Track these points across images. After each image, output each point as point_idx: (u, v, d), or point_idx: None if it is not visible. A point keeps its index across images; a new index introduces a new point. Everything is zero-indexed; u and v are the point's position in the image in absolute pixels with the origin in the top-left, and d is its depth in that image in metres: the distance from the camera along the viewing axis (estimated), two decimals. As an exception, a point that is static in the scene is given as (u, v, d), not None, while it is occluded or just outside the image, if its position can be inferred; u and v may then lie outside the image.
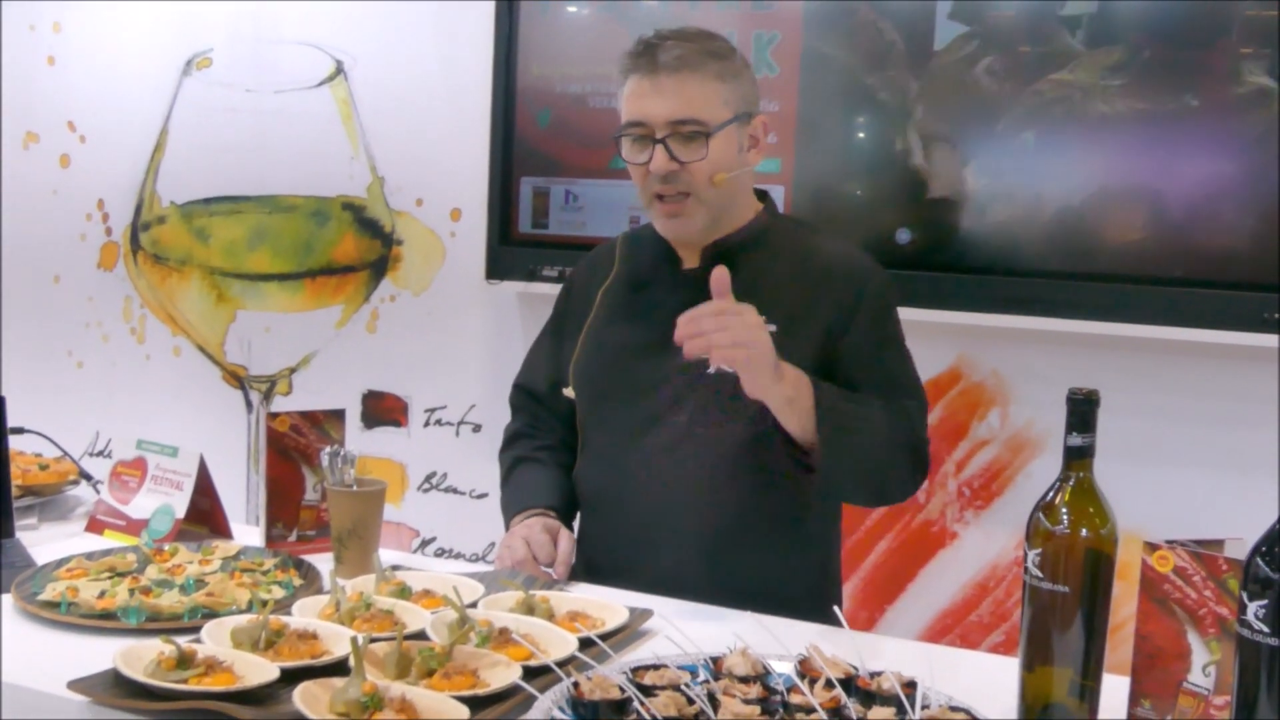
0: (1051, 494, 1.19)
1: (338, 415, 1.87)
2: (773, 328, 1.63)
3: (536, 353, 2.00)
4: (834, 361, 1.71)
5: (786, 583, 1.74)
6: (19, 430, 2.02)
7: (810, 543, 1.80)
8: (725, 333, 1.50)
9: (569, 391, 1.84)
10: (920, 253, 2.36)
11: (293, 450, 1.81)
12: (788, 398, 1.58)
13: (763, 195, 1.84)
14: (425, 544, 3.00)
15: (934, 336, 2.40)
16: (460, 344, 2.93)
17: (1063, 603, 1.17)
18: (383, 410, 3.04)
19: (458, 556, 2.95)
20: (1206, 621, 1.16)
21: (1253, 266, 2.10)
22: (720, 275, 1.55)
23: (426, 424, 2.99)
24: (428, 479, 3.00)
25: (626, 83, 1.72)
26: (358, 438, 3.00)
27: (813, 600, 1.72)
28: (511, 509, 1.86)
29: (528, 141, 2.73)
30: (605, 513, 1.81)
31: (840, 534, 1.88)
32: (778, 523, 1.74)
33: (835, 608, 1.36)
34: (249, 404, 3.21)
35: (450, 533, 2.98)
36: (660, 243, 1.82)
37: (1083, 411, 1.18)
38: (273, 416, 1.81)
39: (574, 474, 1.88)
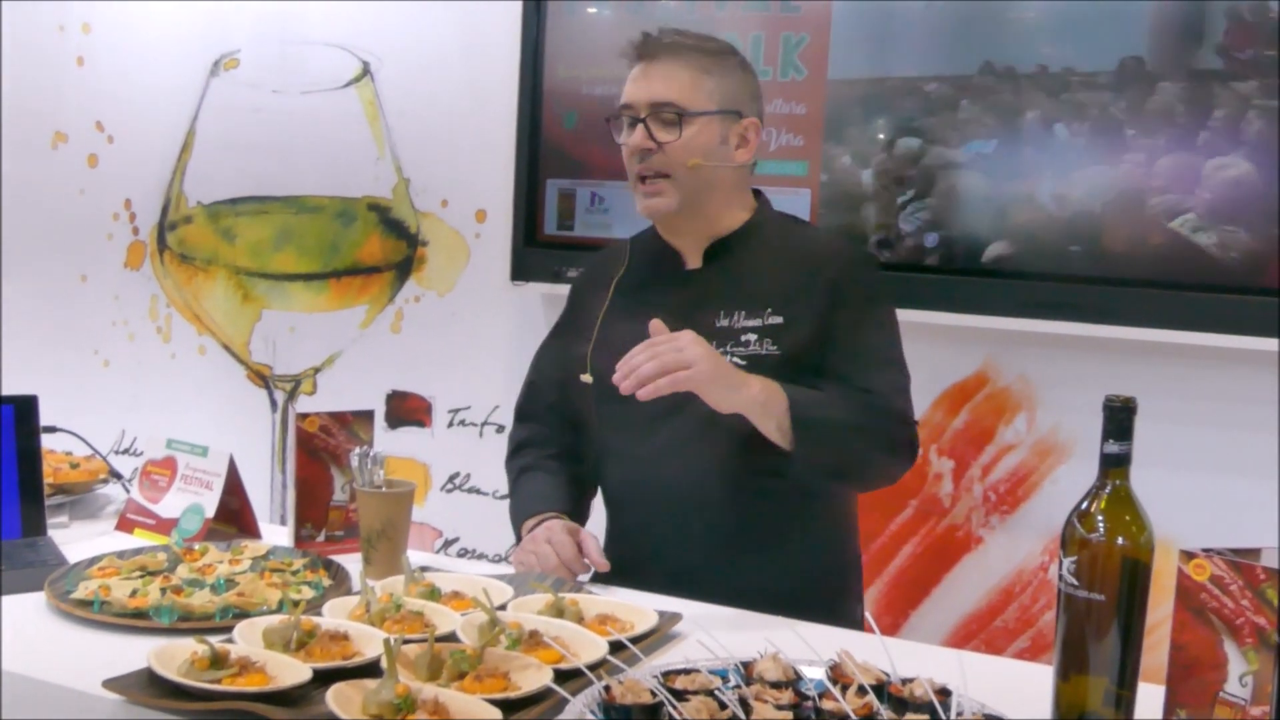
0: (1087, 501, 1.18)
1: (367, 416, 1.87)
2: (779, 319, 1.74)
3: (544, 355, 2.02)
4: (827, 339, 1.75)
5: (807, 574, 1.77)
6: (51, 429, 2.03)
7: (830, 532, 1.83)
8: (654, 362, 1.56)
9: (586, 378, 1.84)
10: (947, 256, 2.35)
11: (322, 451, 1.82)
12: (759, 402, 1.63)
13: (757, 194, 1.90)
14: (448, 544, 3.01)
15: (961, 341, 2.39)
16: (484, 345, 2.93)
17: (1098, 611, 1.16)
18: (406, 410, 3.05)
19: (480, 557, 2.95)
20: (1244, 631, 1.15)
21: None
22: (655, 323, 1.62)
23: (450, 424, 3.00)
24: (451, 479, 3.01)
25: (630, 72, 1.82)
26: (381, 437, 3.00)
27: (834, 594, 1.77)
28: (522, 515, 1.87)
29: (553, 143, 2.73)
30: (631, 510, 1.84)
31: (857, 529, 1.90)
32: (795, 513, 1.76)
33: (866, 614, 1.36)
34: (273, 403, 3.23)
35: (473, 533, 2.99)
36: (662, 244, 1.87)
37: (1120, 419, 1.17)
38: (302, 417, 1.82)
39: (598, 476, 1.89)
